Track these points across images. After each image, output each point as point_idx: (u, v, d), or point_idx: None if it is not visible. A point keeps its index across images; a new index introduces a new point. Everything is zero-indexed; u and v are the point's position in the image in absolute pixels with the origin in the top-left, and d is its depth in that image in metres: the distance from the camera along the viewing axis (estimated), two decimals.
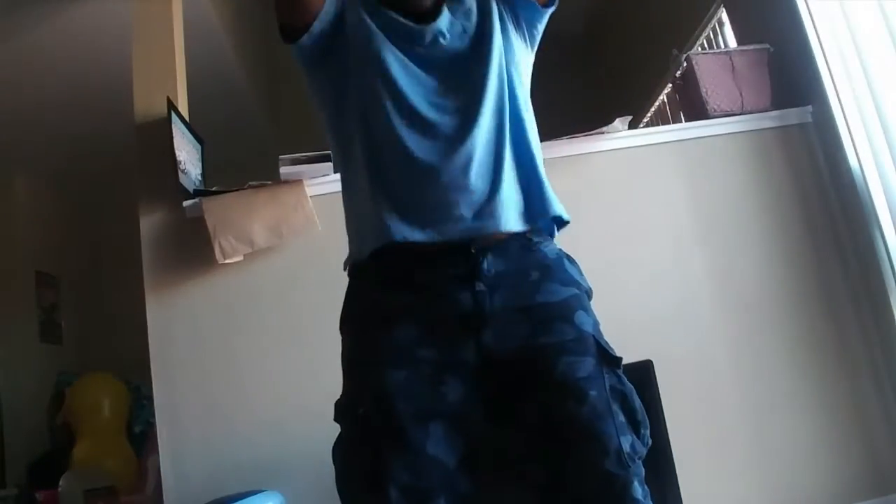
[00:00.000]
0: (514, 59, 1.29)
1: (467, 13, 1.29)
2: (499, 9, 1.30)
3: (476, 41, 1.27)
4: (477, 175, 1.18)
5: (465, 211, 1.16)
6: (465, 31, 1.27)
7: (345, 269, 1.29)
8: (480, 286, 1.14)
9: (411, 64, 1.23)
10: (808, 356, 2.32)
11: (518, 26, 1.31)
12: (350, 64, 1.26)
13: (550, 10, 1.32)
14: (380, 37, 1.24)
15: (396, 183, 1.19)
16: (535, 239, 1.22)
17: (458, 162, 1.17)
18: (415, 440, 1.07)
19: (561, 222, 1.27)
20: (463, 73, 1.24)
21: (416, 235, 1.15)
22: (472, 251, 1.15)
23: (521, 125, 1.26)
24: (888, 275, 2.26)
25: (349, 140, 1.26)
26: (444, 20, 1.27)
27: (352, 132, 1.25)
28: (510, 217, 1.18)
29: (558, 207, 1.24)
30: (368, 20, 1.26)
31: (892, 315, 2.26)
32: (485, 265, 1.15)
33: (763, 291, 2.36)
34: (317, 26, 1.25)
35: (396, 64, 1.23)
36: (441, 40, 1.25)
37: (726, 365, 2.30)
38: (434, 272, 1.16)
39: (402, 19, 1.26)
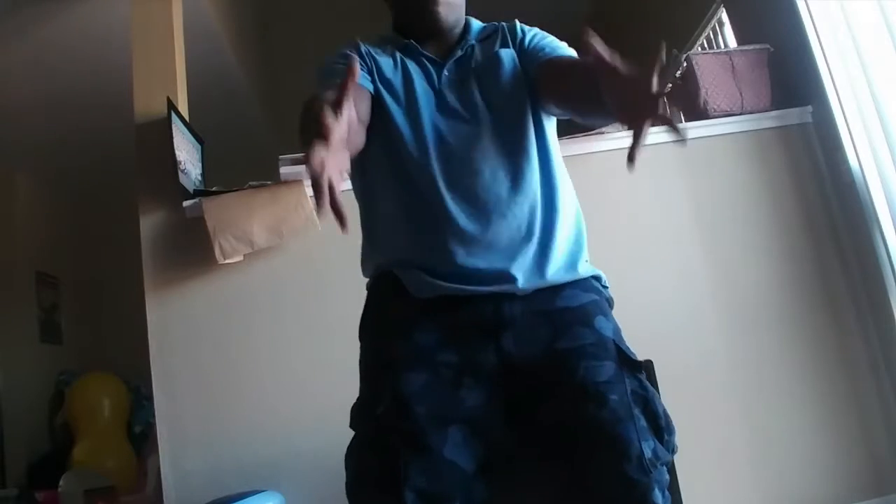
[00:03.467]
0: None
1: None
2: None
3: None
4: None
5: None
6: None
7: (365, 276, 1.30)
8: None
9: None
10: (809, 355, 2.31)
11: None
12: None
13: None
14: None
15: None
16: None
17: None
18: (432, 444, 1.04)
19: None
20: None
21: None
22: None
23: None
24: (888, 275, 2.26)
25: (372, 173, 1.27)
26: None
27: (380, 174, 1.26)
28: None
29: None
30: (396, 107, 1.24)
31: (892, 315, 2.25)
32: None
33: (763, 291, 2.36)
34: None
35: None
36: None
37: (726, 364, 2.30)
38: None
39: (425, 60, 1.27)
